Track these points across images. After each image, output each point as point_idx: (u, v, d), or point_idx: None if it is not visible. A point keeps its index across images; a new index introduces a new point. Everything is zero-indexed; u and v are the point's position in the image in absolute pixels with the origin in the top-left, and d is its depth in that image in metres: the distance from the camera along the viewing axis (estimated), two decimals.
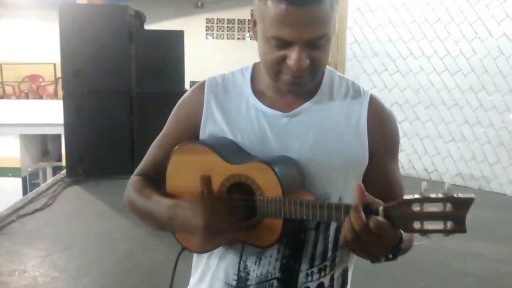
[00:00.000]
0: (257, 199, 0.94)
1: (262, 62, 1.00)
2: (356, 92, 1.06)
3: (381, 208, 0.82)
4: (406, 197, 0.80)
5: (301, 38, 0.90)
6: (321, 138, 1.02)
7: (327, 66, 1.06)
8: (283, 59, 0.94)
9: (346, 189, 1.03)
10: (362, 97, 1.05)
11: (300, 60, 0.91)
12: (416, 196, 0.79)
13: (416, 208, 0.79)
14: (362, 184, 0.84)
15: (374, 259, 0.88)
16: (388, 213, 0.81)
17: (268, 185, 0.93)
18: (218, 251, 1.06)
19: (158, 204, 1.01)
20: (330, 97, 1.05)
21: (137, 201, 1.07)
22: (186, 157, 1.04)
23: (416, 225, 0.79)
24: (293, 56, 0.92)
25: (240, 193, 0.97)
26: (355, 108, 1.04)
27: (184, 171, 1.03)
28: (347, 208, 0.85)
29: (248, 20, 1.09)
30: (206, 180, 0.93)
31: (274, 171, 0.92)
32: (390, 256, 0.88)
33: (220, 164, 0.98)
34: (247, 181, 0.95)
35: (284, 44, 0.92)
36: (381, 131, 1.04)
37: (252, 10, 0.99)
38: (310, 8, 0.88)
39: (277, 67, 0.95)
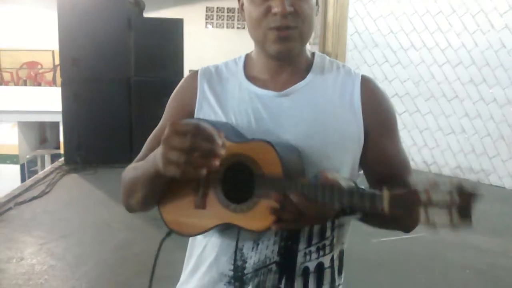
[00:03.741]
0: (257, 179, 0.91)
1: (250, 28, 1.01)
2: (347, 72, 1.08)
3: (387, 194, 0.79)
4: (413, 185, 0.78)
5: None
6: (316, 115, 1.01)
7: (317, 52, 1.09)
8: (268, 11, 0.96)
9: (342, 165, 1.01)
10: (354, 77, 1.06)
11: (282, 2, 0.94)
12: (423, 185, 0.77)
13: (422, 197, 0.76)
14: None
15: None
16: (394, 199, 0.79)
17: (268, 165, 0.90)
18: (211, 243, 1.04)
19: (146, 160, 0.98)
20: (322, 77, 1.06)
21: (129, 172, 1.05)
22: None
23: (422, 214, 0.77)
24: (275, 1, 0.95)
25: (239, 173, 0.94)
26: (347, 86, 1.05)
27: None
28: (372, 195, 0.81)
29: None
30: None
31: (276, 150, 0.90)
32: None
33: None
34: (246, 160, 0.92)
35: None
36: (375, 108, 1.04)
37: None
38: None
39: (263, 23, 0.97)
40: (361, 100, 1.04)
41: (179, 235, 1.01)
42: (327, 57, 1.11)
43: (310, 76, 1.06)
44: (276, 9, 0.95)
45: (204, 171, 0.85)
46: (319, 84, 1.05)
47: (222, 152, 0.86)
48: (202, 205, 0.96)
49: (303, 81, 1.05)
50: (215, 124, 0.96)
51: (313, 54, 1.10)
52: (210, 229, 0.97)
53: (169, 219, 1.01)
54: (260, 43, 1.02)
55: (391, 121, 1.08)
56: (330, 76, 1.07)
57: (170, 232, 1.02)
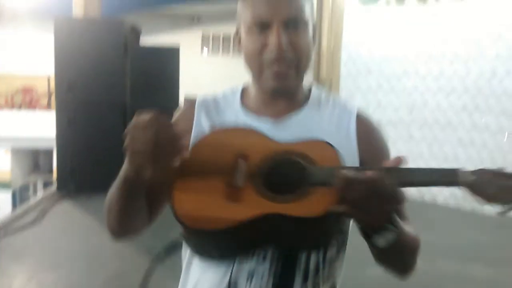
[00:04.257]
0: (311, 167, 0.91)
1: (247, 61, 1.03)
2: (343, 106, 1.10)
3: (470, 171, 0.85)
4: (485, 167, 0.86)
5: (278, 17, 0.96)
6: None
7: (314, 85, 1.11)
8: (265, 46, 0.98)
9: None
10: (350, 111, 1.09)
11: (279, 37, 0.96)
12: (496, 168, 0.85)
13: (499, 178, 0.84)
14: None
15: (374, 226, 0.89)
16: (476, 178, 0.85)
17: (325, 159, 0.92)
18: (204, 278, 1.01)
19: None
20: (319, 109, 1.08)
21: (108, 196, 1.03)
22: (219, 139, 1.01)
23: (496, 194, 0.83)
24: (272, 36, 0.96)
25: (283, 170, 0.93)
26: (343, 121, 1.07)
27: (214, 153, 0.98)
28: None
29: None
30: (242, 159, 0.92)
31: (334, 149, 0.92)
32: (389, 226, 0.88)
33: (261, 142, 0.97)
34: (296, 157, 0.93)
35: (263, 27, 0.97)
36: (371, 143, 1.06)
37: (236, 29, 1.06)
38: None
39: (260, 57, 0.99)
40: (357, 135, 1.05)
41: (194, 229, 0.94)
42: (324, 91, 1.13)
43: (306, 109, 1.07)
44: (272, 44, 0.96)
45: (171, 163, 0.90)
46: (316, 117, 1.06)
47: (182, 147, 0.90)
48: (235, 198, 0.92)
49: (299, 112, 1.06)
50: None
51: (310, 87, 1.12)
52: (241, 221, 0.90)
53: (184, 214, 0.93)
54: (256, 77, 1.03)
55: (385, 158, 1.07)
56: (327, 110, 1.08)
57: (171, 247, 1.00)
